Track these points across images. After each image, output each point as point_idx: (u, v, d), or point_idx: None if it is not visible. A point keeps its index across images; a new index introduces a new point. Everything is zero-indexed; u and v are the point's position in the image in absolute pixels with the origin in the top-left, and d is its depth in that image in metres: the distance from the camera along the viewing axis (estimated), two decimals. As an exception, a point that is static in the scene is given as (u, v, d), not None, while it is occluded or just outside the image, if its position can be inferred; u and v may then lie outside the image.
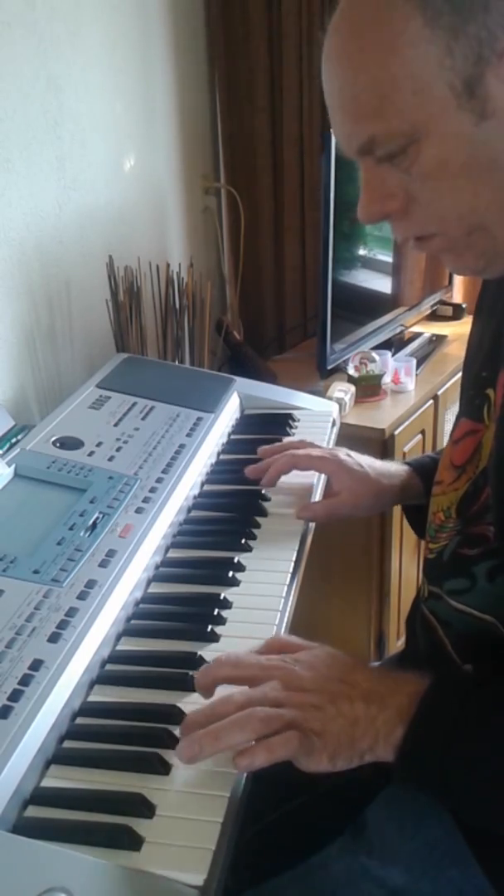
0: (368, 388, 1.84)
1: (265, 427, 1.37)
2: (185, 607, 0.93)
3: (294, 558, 1.02)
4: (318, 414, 1.41)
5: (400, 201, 0.73)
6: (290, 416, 1.38)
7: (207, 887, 0.59)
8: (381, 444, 1.75)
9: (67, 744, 0.73)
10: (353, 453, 1.09)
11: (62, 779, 0.69)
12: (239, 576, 0.97)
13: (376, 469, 1.07)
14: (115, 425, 1.23)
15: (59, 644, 0.78)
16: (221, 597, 0.92)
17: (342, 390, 1.75)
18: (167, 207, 1.96)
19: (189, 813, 0.66)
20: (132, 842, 0.63)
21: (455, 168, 0.69)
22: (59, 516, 0.99)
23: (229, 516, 1.11)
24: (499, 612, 0.79)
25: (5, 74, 1.43)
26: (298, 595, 0.99)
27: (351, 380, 1.83)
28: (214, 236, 2.13)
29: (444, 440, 1.77)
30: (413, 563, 1.95)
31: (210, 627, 0.87)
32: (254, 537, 1.05)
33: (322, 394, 1.66)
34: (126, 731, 0.74)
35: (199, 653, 0.83)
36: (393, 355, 1.95)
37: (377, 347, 1.95)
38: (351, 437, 1.56)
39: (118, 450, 1.16)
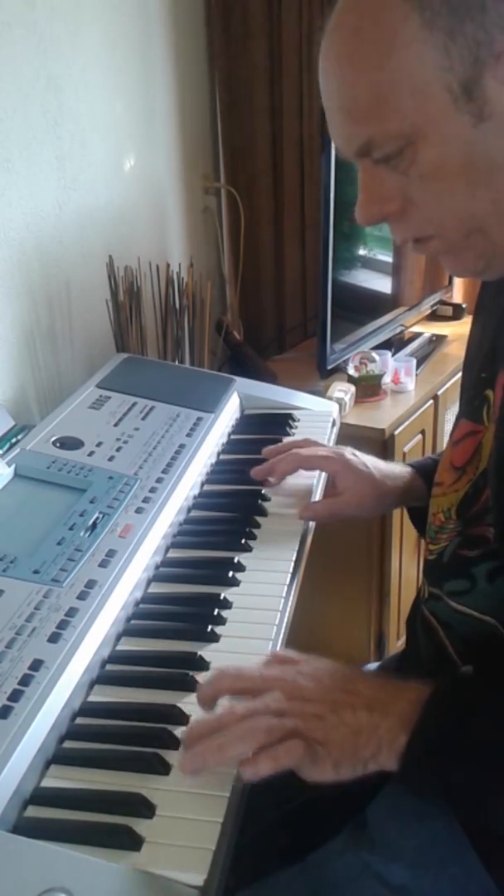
0: (368, 388, 1.84)
1: (265, 427, 1.37)
2: (185, 607, 0.93)
3: (294, 558, 1.02)
4: (318, 414, 1.41)
5: (398, 203, 0.73)
6: (290, 416, 1.38)
7: (207, 887, 0.60)
8: (381, 444, 1.75)
9: (67, 744, 0.73)
10: (358, 453, 1.09)
11: (62, 779, 0.69)
12: (239, 576, 0.97)
13: (381, 470, 1.07)
14: (115, 425, 1.23)
15: (59, 644, 0.78)
16: (221, 597, 0.92)
17: (342, 390, 1.75)
18: (167, 207, 1.96)
19: (189, 813, 0.66)
20: (132, 842, 0.63)
21: (453, 170, 0.69)
22: (59, 516, 0.99)
23: (229, 516, 1.11)
24: (499, 614, 0.79)
25: (5, 74, 1.43)
26: (298, 595, 0.99)
27: (351, 380, 1.83)
28: (214, 236, 2.13)
29: (444, 440, 1.78)
30: (413, 564, 1.95)
31: (210, 627, 0.87)
32: (254, 537, 1.05)
33: (322, 394, 1.66)
34: (126, 731, 0.74)
35: (199, 653, 0.83)
36: (393, 355, 1.95)
37: (377, 347, 1.95)
38: (351, 437, 1.56)
39: (118, 450, 1.16)
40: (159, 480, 1.09)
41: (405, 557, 1.91)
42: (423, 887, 0.78)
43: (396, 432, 1.78)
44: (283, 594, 0.94)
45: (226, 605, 0.91)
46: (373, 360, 1.85)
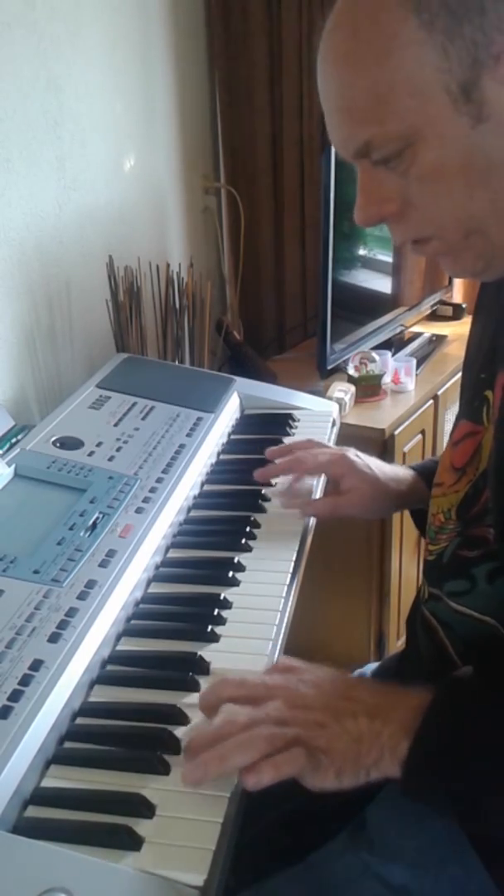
0: (368, 388, 1.84)
1: (265, 427, 1.37)
2: (185, 607, 0.93)
3: (294, 558, 1.02)
4: (318, 414, 1.41)
5: (396, 204, 0.73)
6: (290, 416, 1.38)
7: (207, 887, 0.60)
8: (381, 444, 1.75)
9: (67, 744, 0.73)
10: (361, 454, 1.09)
11: (62, 779, 0.69)
12: (239, 576, 0.97)
13: (385, 472, 1.07)
14: (115, 425, 1.23)
15: (59, 644, 0.78)
16: (221, 597, 0.92)
17: (342, 390, 1.76)
18: (167, 207, 1.96)
19: (189, 813, 0.66)
20: (132, 842, 0.63)
21: (451, 171, 0.69)
22: (59, 516, 0.99)
23: (229, 516, 1.11)
24: (499, 614, 0.79)
25: (5, 74, 1.43)
26: (298, 595, 0.99)
27: (351, 380, 1.83)
28: (214, 236, 2.13)
29: (444, 440, 1.78)
30: (413, 564, 1.95)
31: (210, 627, 0.87)
32: (254, 537, 1.05)
33: (322, 394, 1.66)
34: (126, 732, 0.74)
35: (199, 653, 0.83)
36: (393, 355, 1.95)
37: (377, 347, 1.95)
38: (351, 437, 1.56)
39: (118, 450, 1.16)
40: (159, 480, 1.09)
41: (405, 557, 1.91)
42: (422, 887, 0.78)
43: (396, 432, 1.78)
44: (283, 594, 0.94)
45: (226, 605, 0.91)
46: (373, 360, 1.85)
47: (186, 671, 0.80)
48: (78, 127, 1.61)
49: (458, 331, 2.20)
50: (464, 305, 2.35)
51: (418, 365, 1.97)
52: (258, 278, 2.16)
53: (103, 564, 0.90)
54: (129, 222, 1.80)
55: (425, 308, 2.25)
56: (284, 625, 0.90)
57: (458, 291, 2.41)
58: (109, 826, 0.64)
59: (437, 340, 2.18)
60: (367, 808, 0.83)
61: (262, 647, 0.85)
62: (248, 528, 1.06)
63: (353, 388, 1.80)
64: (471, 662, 0.81)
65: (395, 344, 2.07)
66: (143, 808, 0.66)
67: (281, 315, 2.22)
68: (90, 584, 0.87)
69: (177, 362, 1.70)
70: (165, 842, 0.63)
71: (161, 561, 1.01)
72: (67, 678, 0.75)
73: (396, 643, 1.94)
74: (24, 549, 0.91)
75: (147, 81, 1.82)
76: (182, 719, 0.75)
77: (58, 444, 1.15)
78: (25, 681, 0.73)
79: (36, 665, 0.74)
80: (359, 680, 0.74)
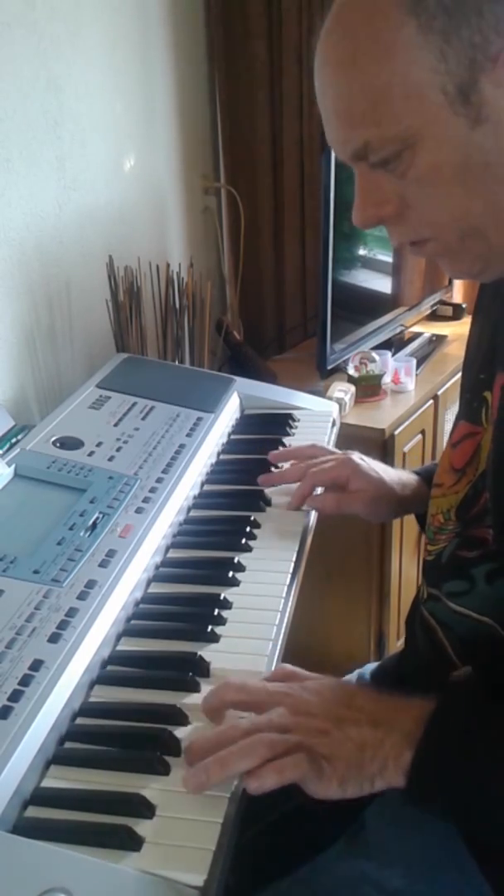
0: (368, 388, 1.84)
1: (265, 427, 1.37)
2: (185, 607, 0.93)
3: (294, 558, 1.02)
4: (318, 414, 1.41)
5: (394, 206, 0.73)
6: (290, 416, 1.38)
7: (207, 887, 0.60)
8: (381, 445, 1.75)
9: (67, 744, 0.73)
10: (366, 458, 1.09)
11: (62, 779, 0.69)
12: (239, 576, 0.97)
13: (390, 476, 1.07)
14: (115, 425, 1.23)
15: (59, 644, 0.78)
16: (221, 597, 0.92)
17: (342, 390, 1.76)
18: (167, 207, 1.96)
19: (189, 813, 0.66)
20: (132, 842, 0.63)
21: (449, 173, 0.69)
22: (59, 516, 0.99)
23: (229, 516, 1.11)
24: (498, 615, 0.79)
25: (5, 74, 1.43)
26: (298, 595, 0.99)
27: (351, 380, 1.83)
28: (214, 236, 2.13)
29: (444, 440, 1.77)
30: (413, 564, 1.95)
31: (210, 627, 0.87)
32: (254, 537, 1.05)
33: (322, 394, 1.66)
34: (126, 732, 0.74)
35: (199, 653, 0.83)
36: (393, 355, 1.95)
37: (377, 347, 1.95)
38: (351, 437, 1.56)
39: (118, 450, 1.16)
40: (159, 480, 1.09)
41: (405, 557, 1.91)
42: (420, 893, 0.78)
43: (396, 432, 1.78)
44: (283, 594, 0.94)
45: (226, 605, 0.91)
46: (373, 360, 1.85)
47: (186, 671, 0.80)
48: (78, 127, 1.61)
49: (458, 331, 2.20)
50: (464, 305, 2.35)
51: (418, 365, 1.97)
52: (258, 278, 2.16)
53: (103, 564, 0.90)
54: (129, 222, 1.80)
55: (425, 308, 2.25)
56: (284, 625, 0.90)
57: (458, 291, 2.41)
58: (109, 826, 0.64)
59: (437, 340, 2.18)
60: (365, 811, 0.83)
61: (262, 647, 0.85)
62: (248, 528, 1.06)
63: (353, 388, 1.80)
64: (469, 662, 0.82)
65: (395, 344, 2.07)
66: (143, 808, 0.66)
67: (281, 315, 2.22)
68: (90, 584, 0.87)
69: (177, 362, 1.70)
70: (165, 842, 0.63)
71: (161, 561, 1.01)
72: (67, 678, 0.75)
73: (396, 643, 1.94)
74: (24, 549, 0.91)
75: (147, 81, 1.82)
76: (182, 719, 0.75)
77: (58, 444, 1.15)
78: (25, 681, 0.73)
79: (36, 665, 0.74)
80: (360, 688, 0.74)
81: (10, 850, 0.61)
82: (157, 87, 1.86)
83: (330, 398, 1.66)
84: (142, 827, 0.64)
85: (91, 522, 0.97)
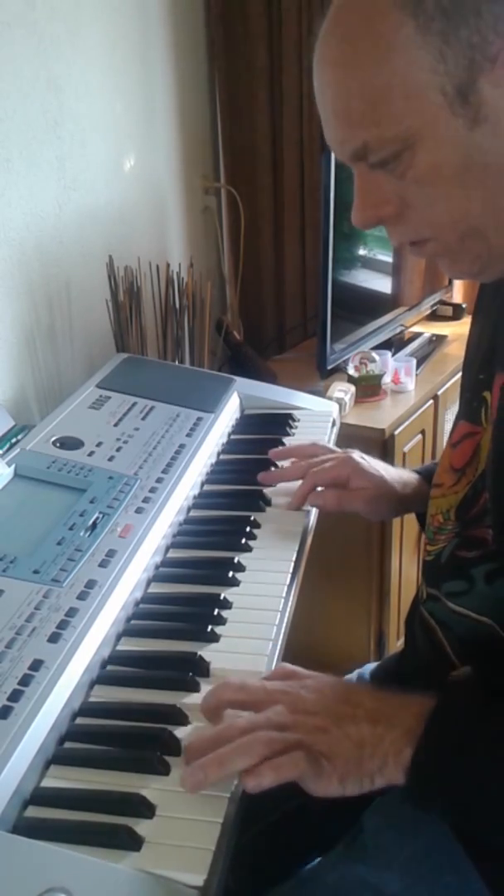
0: (368, 388, 1.84)
1: (265, 427, 1.37)
2: (185, 607, 0.93)
3: (294, 558, 1.02)
4: (318, 414, 1.41)
5: (394, 207, 0.73)
6: (290, 416, 1.38)
7: (207, 887, 0.60)
8: (381, 444, 1.75)
9: (67, 744, 0.73)
10: (366, 456, 1.09)
11: (62, 779, 0.69)
12: (239, 576, 0.97)
13: (391, 475, 1.07)
14: (115, 425, 1.23)
15: (59, 644, 0.78)
16: (221, 597, 0.92)
17: (342, 390, 1.76)
18: (167, 207, 1.96)
19: (189, 813, 0.66)
20: (132, 842, 0.63)
21: (448, 173, 0.69)
22: (59, 516, 0.99)
23: (229, 516, 1.11)
24: (497, 615, 0.79)
25: (5, 74, 1.43)
26: (298, 595, 0.99)
27: (351, 380, 1.83)
28: (214, 236, 2.14)
29: (444, 440, 1.77)
30: (413, 564, 1.95)
31: (210, 627, 0.87)
32: (254, 537, 1.05)
33: (322, 394, 1.66)
34: (126, 732, 0.74)
35: (199, 653, 0.83)
36: (393, 355, 1.95)
37: (377, 347, 1.95)
38: (351, 437, 1.56)
39: (118, 450, 1.16)
40: (159, 480, 1.09)
41: (405, 557, 1.91)
42: None
43: (396, 432, 1.78)
44: (283, 594, 0.94)
45: (226, 605, 0.91)
46: (373, 360, 1.85)
47: (186, 671, 0.80)
48: (78, 127, 1.61)
49: (458, 331, 2.21)
50: (464, 305, 2.35)
51: (418, 365, 1.97)
52: (258, 278, 2.16)
53: (103, 564, 0.90)
54: (129, 222, 1.80)
55: (425, 308, 2.25)
56: (284, 625, 0.90)
57: (458, 291, 2.41)
58: (109, 826, 0.64)
59: (437, 340, 2.18)
60: (364, 813, 0.83)
61: (262, 647, 0.85)
62: (248, 528, 1.06)
63: (353, 388, 1.80)
64: (469, 663, 0.81)
65: (395, 344, 2.07)
66: (143, 808, 0.66)
67: (281, 315, 2.22)
68: (90, 584, 0.87)
69: (177, 362, 1.70)
70: (165, 842, 0.63)
71: (161, 561, 1.01)
72: (67, 678, 0.75)
73: (396, 643, 1.94)
74: (24, 549, 0.91)
75: (147, 81, 1.82)
76: (182, 719, 0.75)
77: (58, 444, 1.15)
78: (25, 681, 0.73)
79: (36, 665, 0.74)
80: (360, 686, 0.74)
81: (10, 849, 0.61)
82: (157, 87, 1.86)
83: (330, 398, 1.66)
84: (142, 827, 0.64)
85: (91, 522, 0.97)
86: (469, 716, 0.68)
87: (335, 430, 1.40)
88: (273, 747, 0.66)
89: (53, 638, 0.78)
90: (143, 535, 0.97)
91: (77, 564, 0.89)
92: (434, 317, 2.35)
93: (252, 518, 1.08)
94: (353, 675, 1.08)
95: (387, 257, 2.00)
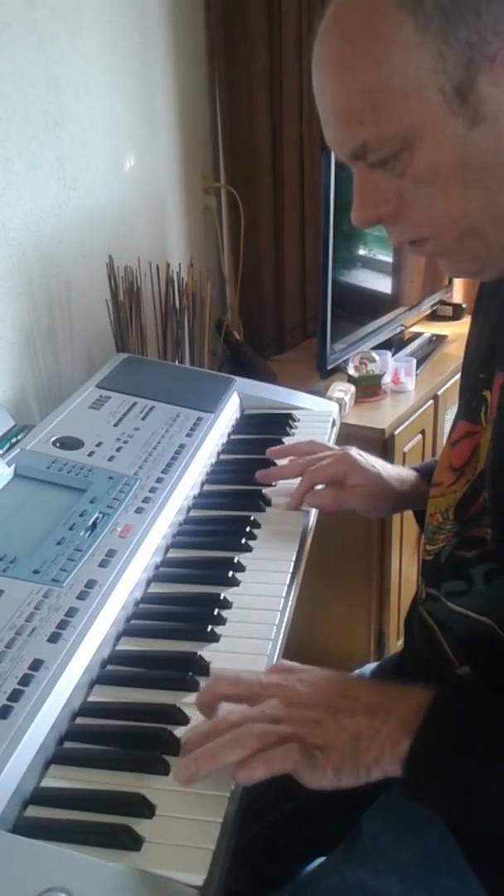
0: (368, 388, 1.84)
1: (265, 427, 1.37)
2: (185, 607, 0.93)
3: (294, 558, 1.02)
4: (318, 414, 1.41)
5: (393, 206, 0.73)
6: (290, 416, 1.38)
7: (207, 887, 0.60)
8: (381, 444, 1.75)
9: (67, 744, 0.73)
10: (364, 453, 1.09)
11: (62, 779, 0.69)
12: (239, 576, 0.97)
13: (388, 471, 1.07)
14: (115, 425, 1.23)
15: (59, 644, 0.78)
16: (221, 597, 0.92)
17: (342, 390, 1.76)
18: (167, 207, 1.96)
19: (189, 813, 0.66)
20: (132, 842, 0.63)
21: (447, 172, 0.69)
22: (59, 516, 0.99)
23: (229, 516, 1.11)
24: (496, 614, 0.79)
25: (5, 74, 1.43)
26: (298, 595, 0.99)
27: (351, 380, 1.83)
28: (214, 236, 2.14)
29: (444, 440, 1.78)
30: (413, 564, 1.95)
31: (210, 627, 0.87)
32: (254, 537, 1.05)
33: (322, 394, 1.66)
34: (126, 732, 0.74)
35: (199, 653, 0.83)
36: (393, 355, 1.95)
37: (377, 347, 1.95)
38: (351, 437, 1.56)
39: (118, 450, 1.16)
40: (159, 480, 1.09)
41: (405, 557, 1.91)
42: None
43: (396, 432, 1.78)
44: (283, 594, 0.94)
45: (226, 605, 0.92)
46: (373, 360, 1.85)
47: (186, 671, 0.80)
48: (78, 127, 1.61)
49: (458, 331, 2.21)
50: (464, 305, 2.35)
51: (418, 365, 1.97)
52: (258, 278, 2.16)
53: (103, 564, 0.90)
54: (129, 222, 1.80)
55: (425, 308, 2.25)
56: (284, 625, 0.90)
57: (458, 291, 2.41)
58: (109, 826, 0.64)
59: (437, 340, 2.18)
60: (363, 817, 0.83)
61: (262, 647, 0.85)
62: (248, 528, 1.06)
63: (353, 388, 1.80)
64: (468, 662, 0.81)
65: (395, 344, 2.07)
66: (143, 808, 0.66)
67: (281, 315, 2.22)
68: (90, 584, 0.87)
69: (177, 362, 1.70)
70: (165, 842, 0.63)
71: (161, 561, 1.01)
72: (67, 678, 0.75)
73: (396, 643, 1.94)
74: (24, 549, 0.92)
75: (147, 81, 1.82)
76: (182, 719, 0.75)
77: (58, 444, 1.15)
78: (25, 681, 0.73)
79: (36, 665, 0.75)
80: (358, 679, 0.73)
81: (10, 849, 0.61)
82: (157, 87, 1.86)
83: (330, 398, 1.66)
84: (142, 827, 0.64)
85: (91, 522, 0.97)
86: (468, 709, 0.68)
87: (335, 430, 1.41)
88: (266, 740, 0.66)
89: (53, 638, 0.78)
90: (143, 535, 0.97)
91: (77, 564, 0.89)
92: (434, 317, 2.35)
93: (252, 518, 1.08)
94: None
95: (387, 257, 2.00)
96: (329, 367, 1.82)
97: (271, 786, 0.66)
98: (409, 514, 1.12)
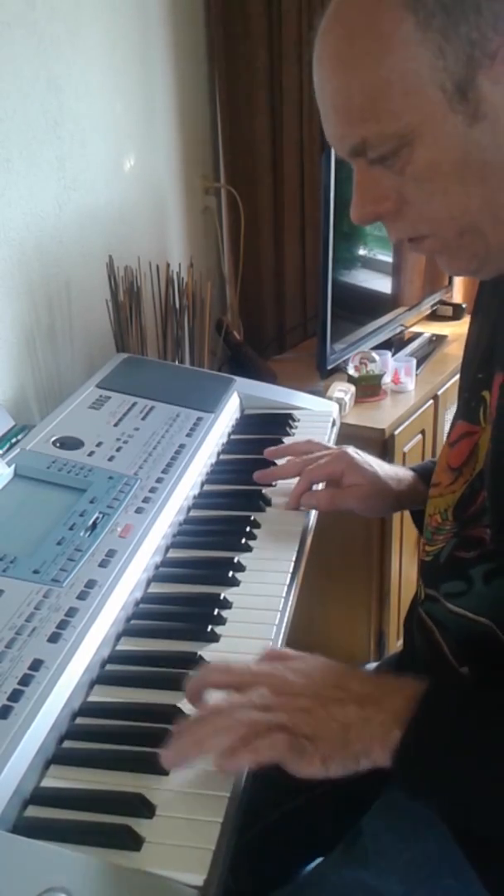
0: (368, 388, 1.84)
1: (265, 427, 1.37)
2: (185, 607, 0.93)
3: (294, 558, 1.02)
4: (318, 414, 1.41)
5: (392, 203, 0.73)
6: (290, 416, 1.38)
7: (207, 887, 0.60)
8: (381, 444, 1.75)
9: (67, 744, 0.73)
10: (361, 452, 1.09)
11: (62, 779, 0.69)
12: (239, 576, 0.97)
13: (385, 471, 1.07)
14: (115, 425, 1.23)
15: (59, 644, 0.78)
16: (221, 597, 0.92)
17: (342, 390, 1.76)
18: (167, 207, 1.96)
19: (189, 813, 0.66)
20: (132, 842, 0.63)
21: (447, 170, 0.69)
22: (59, 516, 0.99)
23: (229, 516, 1.11)
24: (495, 615, 0.78)
25: (5, 74, 1.43)
26: (298, 595, 0.99)
27: (351, 380, 1.83)
28: (214, 236, 2.14)
29: (444, 440, 1.78)
30: (413, 564, 1.95)
31: (210, 627, 0.87)
32: (254, 537, 1.05)
33: (322, 394, 1.66)
34: (126, 731, 0.74)
35: (199, 653, 0.83)
36: (393, 355, 1.95)
37: (377, 347, 1.95)
38: (351, 437, 1.56)
39: (118, 450, 1.16)
40: (159, 480, 1.09)
41: (405, 558, 1.91)
42: None
43: (396, 432, 1.78)
44: (283, 594, 0.94)
45: (226, 605, 0.92)
46: (373, 360, 1.85)
47: (186, 671, 0.80)
48: (78, 127, 1.61)
49: (458, 331, 2.20)
50: (464, 305, 2.35)
51: (418, 365, 1.97)
52: (258, 278, 2.16)
53: (103, 564, 0.90)
54: (129, 222, 1.80)
55: (425, 308, 2.25)
56: (284, 625, 0.90)
57: (458, 291, 2.41)
58: (109, 826, 0.64)
59: (437, 340, 2.18)
60: (363, 818, 0.83)
61: (262, 647, 0.85)
62: (248, 528, 1.06)
63: (353, 388, 1.80)
64: (466, 663, 0.81)
65: (395, 344, 2.07)
66: (143, 808, 0.66)
67: (281, 315, 2.22)
68: (90, 584, 0.87)
69: (177, 362, 1.70)
70: (165, 842, 0.63)
71: (161, 561, 1.01)
72: (67, 678, 0.75)
73: (396, 643, 1.94)
74: (24, 549, 0.92)
75: (147, 81, 1.82)
76: (182, 719, 0.75)
77: (58, 444, 1.15)
78: (25, 681, 0.73)
79: (36, 665, 0.75)
80: (350, 669, 0.73)
81: (10, 849, 0.61)
82: (157, 87, 1.86)
83: (330, 398, 1.66)
84: (142, 827, 0.64)
85: (91, 522, 0.97)
86: (460, 701, 0.68)
87: (335, 430, 1.41)
88: (254, 728, 0.65)
89: (53, 638, 0.78)
90: (143, 535, 0.97)
91: (77, 564, 0.89)
92: (434, 317, 2.34)
93: (252, 518, 1.08)
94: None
95: (387, 257, 2.00)
96: (329, 367, 1.82)
97: (271, 786, 0.66)
98: (409, 514, 1.12)
